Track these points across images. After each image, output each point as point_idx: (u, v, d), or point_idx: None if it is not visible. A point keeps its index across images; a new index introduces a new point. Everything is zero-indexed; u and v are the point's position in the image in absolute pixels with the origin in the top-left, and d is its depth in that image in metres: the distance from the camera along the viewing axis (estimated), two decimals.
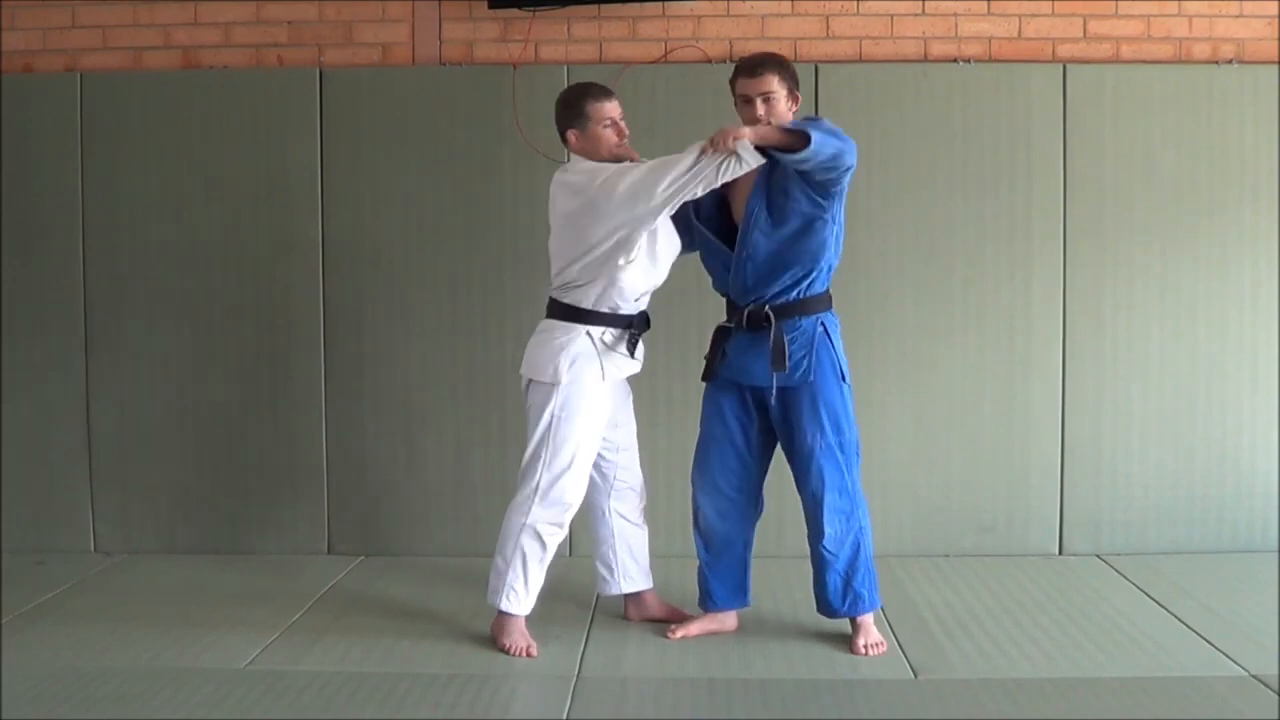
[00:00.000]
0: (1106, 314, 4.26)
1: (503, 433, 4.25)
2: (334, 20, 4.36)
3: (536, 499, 3.27)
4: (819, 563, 3.30)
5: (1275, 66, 4.22)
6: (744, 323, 3.26)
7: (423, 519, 4.35)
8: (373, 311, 4.32)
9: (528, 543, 3.28)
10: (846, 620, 3.32)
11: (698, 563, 3.47)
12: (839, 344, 3.29)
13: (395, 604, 3.74)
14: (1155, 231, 4.24)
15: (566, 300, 3.30)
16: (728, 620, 3.45)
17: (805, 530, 3.33)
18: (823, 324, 3.26)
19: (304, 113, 4.29)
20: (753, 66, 3.20)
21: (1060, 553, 4.28)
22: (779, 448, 3.39)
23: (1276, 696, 2.93)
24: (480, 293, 4.29)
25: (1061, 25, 4.28)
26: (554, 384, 3.25)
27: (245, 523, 4.39)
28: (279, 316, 4.34)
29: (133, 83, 4.36)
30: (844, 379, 3.27)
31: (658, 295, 3.40)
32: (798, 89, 3.26)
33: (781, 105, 3.19)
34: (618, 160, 3.24)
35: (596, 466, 3.41)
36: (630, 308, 3.31)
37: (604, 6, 4.26)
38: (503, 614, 3.30)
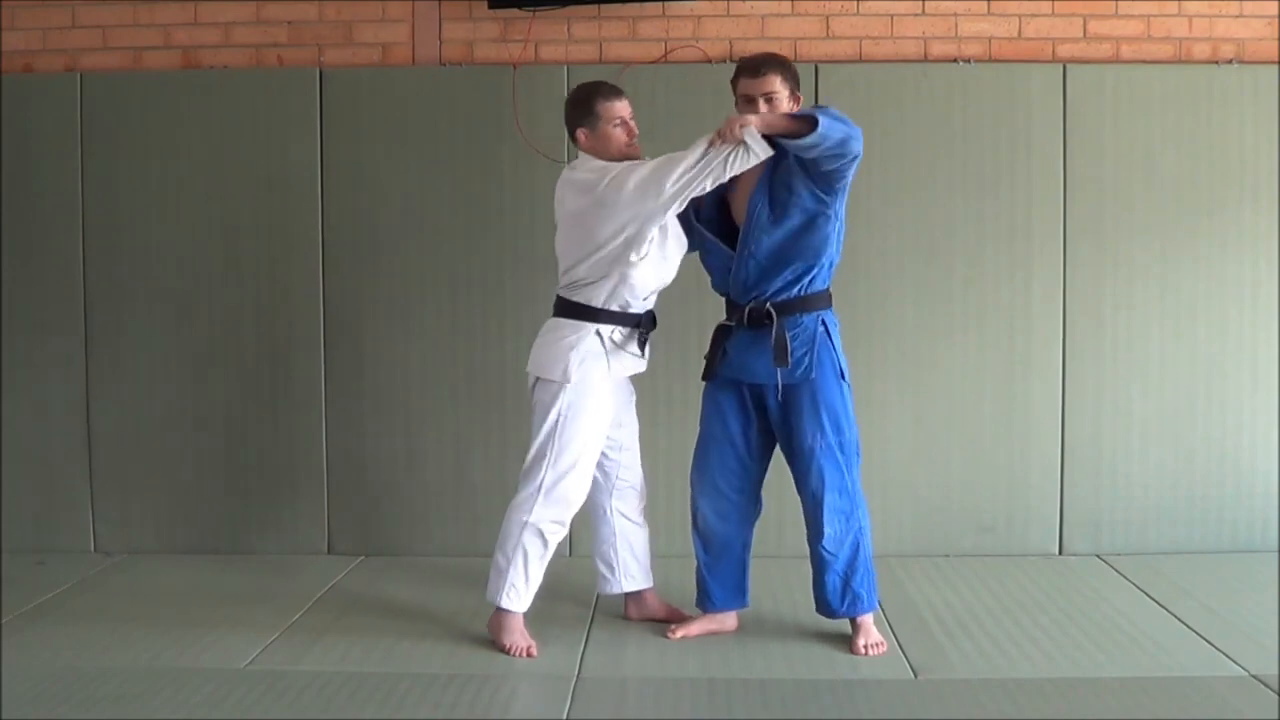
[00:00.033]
0: (1106, 314, 4.26)
1: (503, 433, 4.25)
2: (334, 20, 4.36)
3: (540, 497, 3.27)
4: (818, 563, 3.30)
5: (1275, 66, 4.22)
6: (745, 320, 3.25)
7: (423, 519, 4.35)
8: (373, 311, 4.32)
9: (530, 541, 3.28)
10: (846, 620, 3.31)
11: (696, 563, 3.47)
12: (839, 343, 3.29)
13: (395, 604, 3.74)
14: (1155, 231, 4.24)
15: (575, 299, 3.30)
16: (728, 620, 3.45)
17: (805, 530, 3.33)
18: (823, 322, 3.26)
19: (304, 113, 4.29)
20: (756, 66, 3.20)
21: (1060, 553, 4.28)
22: (778, 448, 3.39)
23: (1276, 696, 2.93)
24: (480, 293, 4.29)
25: (1061, 25, 4.28)
26: (562, 383, 3.25)
27: (245, 523, 4.39)
28: (279, 316, 4.34)
29: (133, 83, 4.36)
30: (843, 378, 3.27)
31: (657, 295, 3.39)
32: (799, 89, 3.26)
33: (783, 106, 3.19)
34: (627, 160, 3.24)
35: (599, 465, 3.42)
36: (639, 306, 3.31)
37: (604, 6, 4.26)
38: (501, 611, 3.30)
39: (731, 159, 3.06)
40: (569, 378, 3.24)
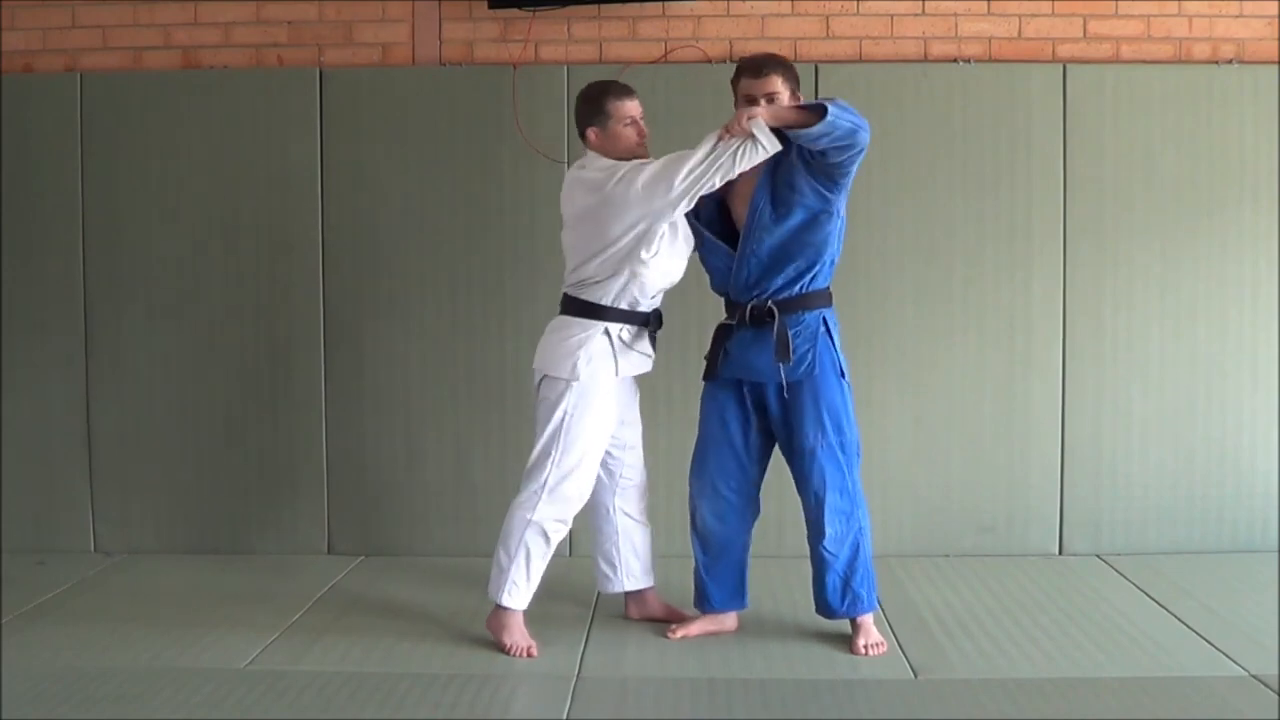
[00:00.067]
0: (1106, 314, 4.26)
1: (503, 433, 4.25)
2: (334, 20, 4.36)
3: (544, 495, 3.27)
4: (819, 563, 3.30)
5: (1275, 66, 4.22)
6: (747, 318, 3.25)
7: (423, 519, 4.35)
8: (373, 311, 4.32)
9: (532, 539, 3.27)
10: (846, 620, 3.31)
11: (694, 564, 3.47)
12: (839, 341, 3.29)
13: (395, 604, 3.74)
14: (1155, 231, 4.24)
15: (584, 297, 3.29)
16: (728, 621, 3.45)
17: (805, 530, 3.33)
18: (824, 320, 3.26)
19: (304, 113, 4.29)
20: (757, 67, 3.20)
21: (1060, 553, 4.28)
22: (777, 449, 3.39)
23: (1276, 696, 2.93)
24: (480, 293, 4.29)
25: (1061, 25, 4.28)
26: (569, 380, 3.24)
27: (245, 523, 4.39)
28: (279, 316, 4.34)
29: (133, 83, 4.36)
30: (843, 376, 3.28)
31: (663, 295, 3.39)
32: (799, 90, 3.26)
33: None
34: (635, 159, 3.24)
35: (603, 464, 3.41)
36: (647, 304, 3.31)
37: (604, 6, 4.26)
38: (501, 608, 3.30)
39: (740, 153, 3.06)
40: (577, 375, 3.24)
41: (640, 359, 3.37)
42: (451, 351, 4.31)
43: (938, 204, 4.23)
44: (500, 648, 3.28)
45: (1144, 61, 4.27)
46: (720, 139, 3.08)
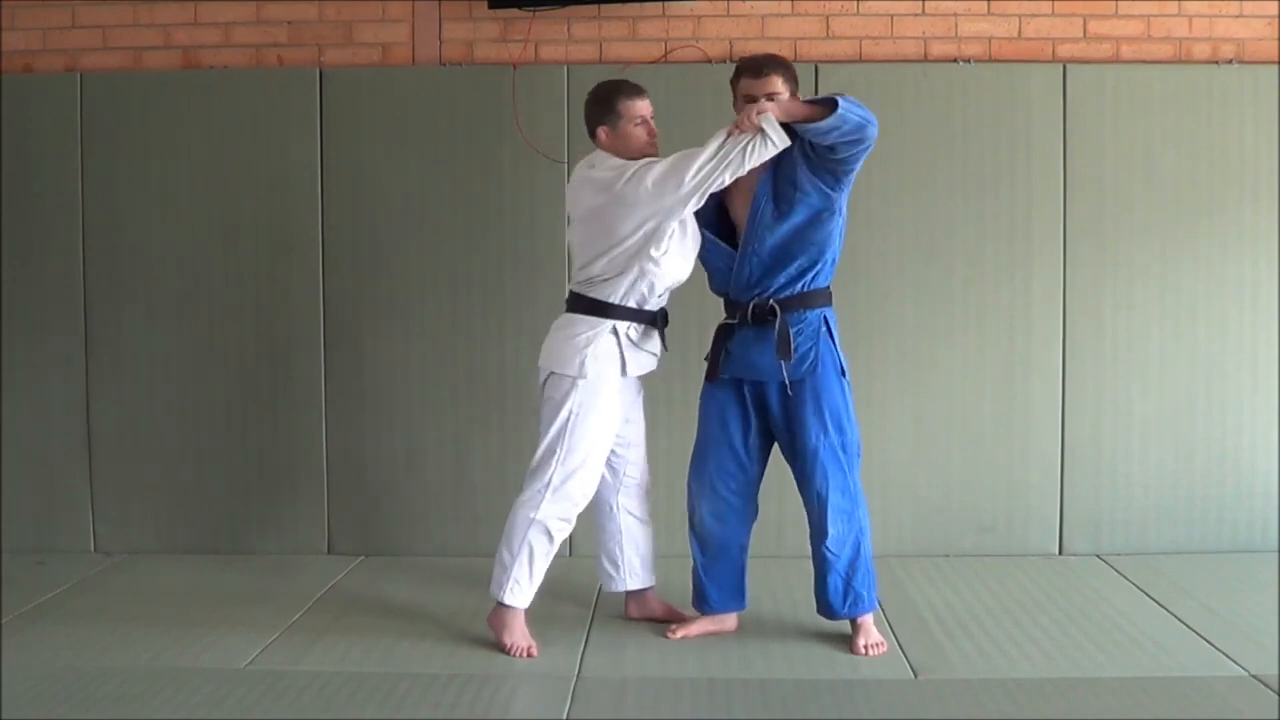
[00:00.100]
0: (1106, 314, 4.26)
1: (503, 433, 4.25)
2: (334, 20, 4.36)
3: (548, 494, 3.26)
4: (821, 564, 3.29)
5: (1275, 66, 4.22)
6: (749, 317, 3.26)
7: (423, 519, 4.35)
8: (373, 311, 4.32)
9: (536, 537, 3.27)
10: (846, 620, 3.31)
11: (692, 564, 3.47)
12: (839, 340, 3.29)
13: (395, 604, 3.74)
14: (1155, 231, 4.24)
15: (591, 294, 3.28)
16: (727, 621, 3.45)
17: (805, 530, 3.33)
18: (825, 318, 3.27)
19: (304, 113, 4.29)
20: (758, 67, 3.20)
21: (1060, 553, 4.28)
22: (776, 449, 3.39)
23: (1276, 696, 2.93)
24: (480, 293, 4.29)
25: (1061, 25, 4.28)
26: (576, 378, 3.24)
27: (245, 523, 4.39)
28: (279, 316, 4.34)
29: (133, 83, 4.35)
30: (844, 375, 3.28)
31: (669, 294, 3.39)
32: (799, 90, 3.26)
33: None
34: (645, 158, 3.23)
35: (607, 462, 3.41)
36: (654, 303, 3.31)
37: (604, 6, 4.26)
38: (503, 606, 3.30)
39: (750, 149, 3.06)
40: (584, 373, 3.24)
41: (648, 358, 3.37)
42: (451, 351, 4.31)
43: (938, 204, 4.23)
44: (500, 646, 3.28)
45: (1144, 61, 4.27)
46: (729, 135, 3.08)
